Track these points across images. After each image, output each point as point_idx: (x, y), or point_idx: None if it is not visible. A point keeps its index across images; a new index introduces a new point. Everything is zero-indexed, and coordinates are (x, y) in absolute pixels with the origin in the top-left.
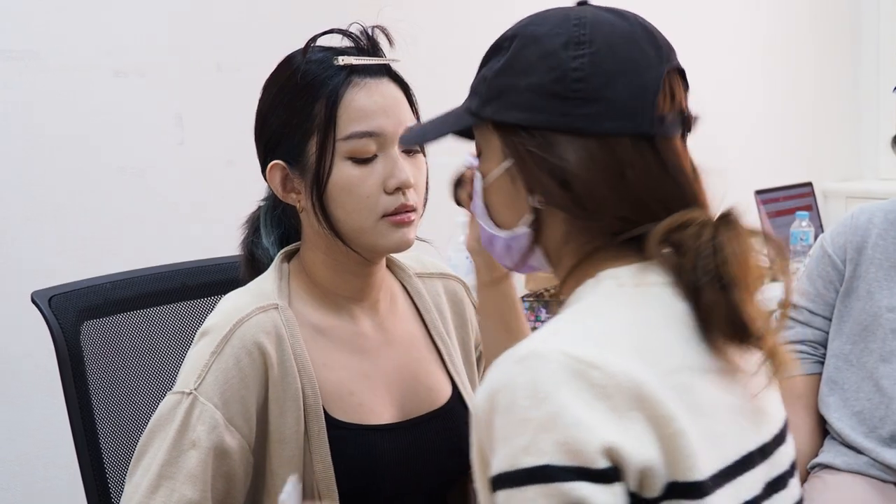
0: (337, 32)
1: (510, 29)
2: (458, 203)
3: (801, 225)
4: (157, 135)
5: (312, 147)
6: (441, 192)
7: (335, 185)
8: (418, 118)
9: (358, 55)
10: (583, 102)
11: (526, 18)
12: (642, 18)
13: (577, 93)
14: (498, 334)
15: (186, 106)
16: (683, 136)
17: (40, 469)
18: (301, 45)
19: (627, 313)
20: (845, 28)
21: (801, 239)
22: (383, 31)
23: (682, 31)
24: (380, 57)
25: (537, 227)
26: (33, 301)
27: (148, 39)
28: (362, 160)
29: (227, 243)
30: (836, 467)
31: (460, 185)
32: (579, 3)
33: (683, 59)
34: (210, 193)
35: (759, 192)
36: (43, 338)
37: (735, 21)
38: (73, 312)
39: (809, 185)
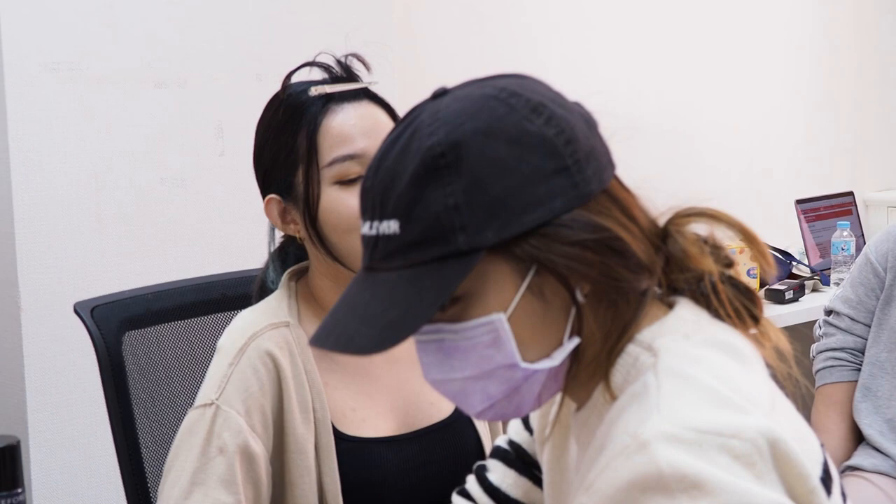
0: (308, 65)
1: (433, 146)
2: None
3: (842, 234)
4: (198, 146)
5: (300, 177)
6: None
7: (325, 211)
8: None
9: (333, 83)
10: (584, 163)
11: (439, 127)
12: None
13: (574, 155)
14: None
15: (227, 117)
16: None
17: (83, 479)
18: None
19: (716, 362)
20: (888, 38)
21: (843, 248)
22: (358, 57)
23: (728, 43)
24: (354, 82)
25: (581, 324)
26: (76, 312)
27: (189, 51)
28: (349, 182)
29: (266, 253)
30: (863, 468)
31: None
32: (436, 95)
33: (726, 71)
34: (250, 204)
35: (800, 202)
36: (85, 348)
37: (778, 32)
38: (115, 323)
39: (851, 194)
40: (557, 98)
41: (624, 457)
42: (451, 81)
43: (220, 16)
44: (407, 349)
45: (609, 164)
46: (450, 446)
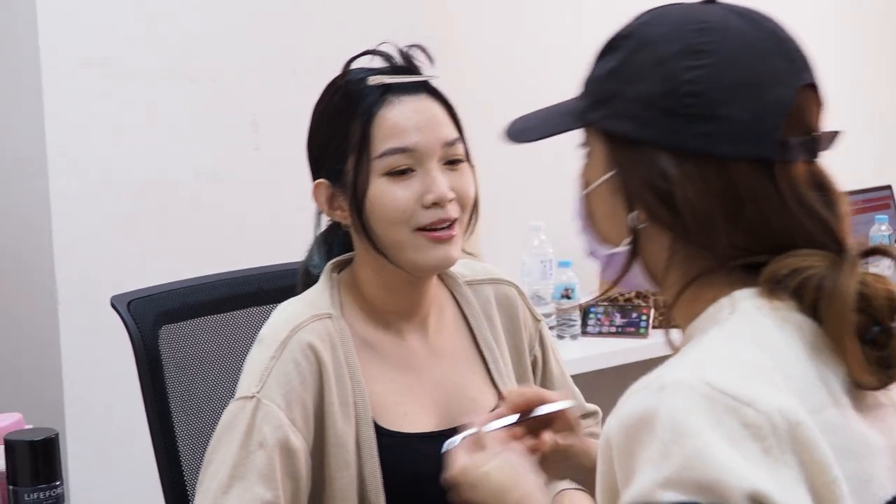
0: (369, 53)
1: (627, 25)
2: None
3: (880, 228)
4: (233, 140)
5: (350, 165)
6: (516, 194)
7: (372, 201)
8: (461, 132)
9: (392, 74)
10: (695, 120)
11: (646, 14)
12: (777, 24)
13: (689, 108)
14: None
15: (262, 111)
16: (811, 160)
17: (120, 472)
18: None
19: (771, 341)
20: None
21: (881, 243)
22: (422, 48)
23: None
24: (415, 74)
25: (637, 245)
26: (113, 306)
27: (223, 45)
28: (399, 175)
29: (302, 247)
30: None
31: None
32: (705, 2)
33: None
34: (285, 198)
35: None
36: (122, 342)
37: (809, 24)
38: (151, 317)
39: (889, 188)
40: (749, 61)
41: (642, 391)
42: (488, 71)
43: (255, 10)
44: (449, 343)
45: (747, 145)
46: None
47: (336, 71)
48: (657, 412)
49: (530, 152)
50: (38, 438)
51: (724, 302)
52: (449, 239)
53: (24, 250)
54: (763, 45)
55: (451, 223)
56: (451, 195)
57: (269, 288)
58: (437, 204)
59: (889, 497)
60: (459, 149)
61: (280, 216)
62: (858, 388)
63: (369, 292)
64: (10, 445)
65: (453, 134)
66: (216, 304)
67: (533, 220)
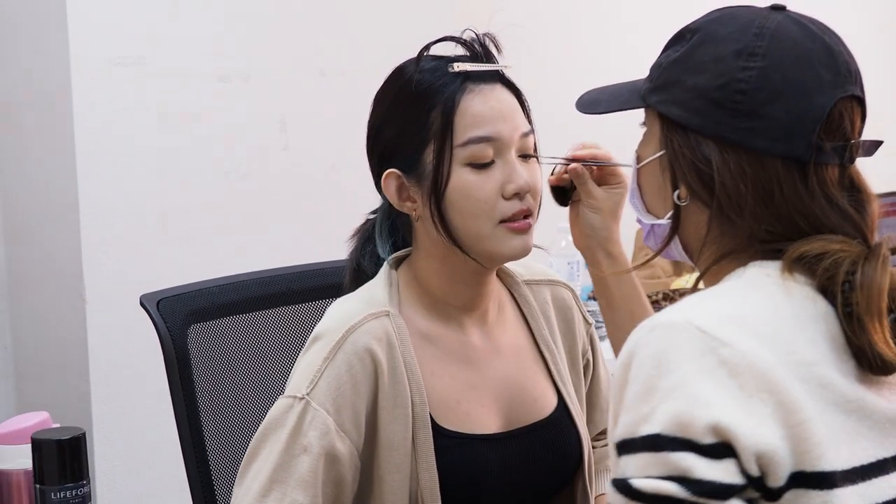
0: (451, 40)
1: (698, 20)
2: (562, 204)
3: None
4: (262, 139)
5: (429, 155)
6: (544, 196)
7: (454, 192)
8: (531, 123)
9: (472, 62)
10: (740, 115)
11: (716, 12)
12: (832, 37)
13: (737, 104)
14: (627, 326)
15: (290, 110)
16: (846, 166)
17: (148, 472)
18: (403, 49)
19: (769, 301)
20: None
21: None
22: (493, 38)
23: None
24: (493, 63)
25: (678, 220)
26: (142, 304)
27: (252, 44)
28: (480, 166)
29: (330, 247)
30: None
31: (560, 189)
32: (773, 7)
33: None
34: (313, 197)
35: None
36: (150, 341)
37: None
38: (180, 316)
39: None
40: (796, 67)
41: (638, 331)
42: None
43: (284, 10)
44: (510, 340)
45: (783, 143)
46: (551, 447)
47: (365, 72)
48: (646, 350)
49: (559, 152)
50: (66, 437)
51: (739, 270)
52: (528, 229)
53: (53, 249)
54: (812, 54)
55: (530, 213)
56: (530, 186)
57: (297, 287)
58: (517, 195)
59: (881, 456)
60: (531, 141)
61: (308, 216)
62: (869, 371)
63: (432, 284)
64: (38, 444)
65: (527, 125)
66: (245, 303)
67: (561, 221)
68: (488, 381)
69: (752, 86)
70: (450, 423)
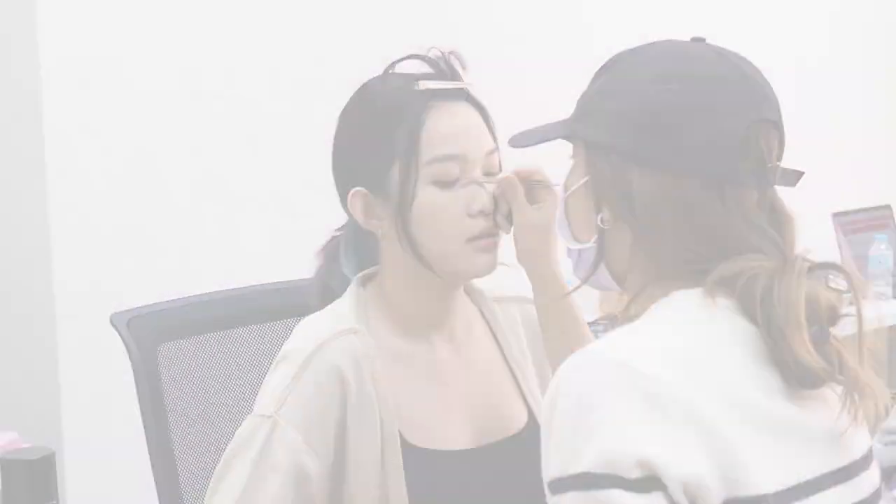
0: (417, 58)
1: (620, 53)
2: (506, 231)
3: (879, 248)
4: (232, 156)
5: (395, 173)
6: None
7: (419, 210)
8: (495, 141)
9: (437, 80)
10: (657, 136)
11: (638, 47)
12: (749, 66)
13: (654, 126)
14: (561, 350)
15: (262, 129)
16: (765, 189)
17: (118, 491)
18: (371, 67)
19: (694, 328)
20: None
21: (880, 262)
22: (458, 56)
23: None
24: (458, 81)
25: (603, 244)
26: (112, 324)
27: (225, 60)
28: (446, 184)
29: (304, 265)
30: None
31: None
32: (693, 39)
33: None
34: (285, 215)
35: (836, 215)
36: (121, 358)
37: (812, 43)
38: (151, 334)
39: (888, 207)
40: (709, 90)
41: (564, 367)
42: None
43: (256, 28)
44: (479, 356)
45: (699, 164)
46: (522, 462)
47: (337, 88)
48: (569, 389)
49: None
50: (35, 457)
51: (664, 300)
52: (493, 246)
53: (23, 265)
54: (727, 78)
55: (495, 231)
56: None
57: (269, 305)
58: (482, 212)
59: (818, 473)
60: (496, 158)
61: (281, 233)
62: (796, 385)
63: (399, 302)
64: (6, 464)
65: (492, 143)
66: (216, 321)
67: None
68: (457, 398)
69: (668, 107)
70: (419, 440)
